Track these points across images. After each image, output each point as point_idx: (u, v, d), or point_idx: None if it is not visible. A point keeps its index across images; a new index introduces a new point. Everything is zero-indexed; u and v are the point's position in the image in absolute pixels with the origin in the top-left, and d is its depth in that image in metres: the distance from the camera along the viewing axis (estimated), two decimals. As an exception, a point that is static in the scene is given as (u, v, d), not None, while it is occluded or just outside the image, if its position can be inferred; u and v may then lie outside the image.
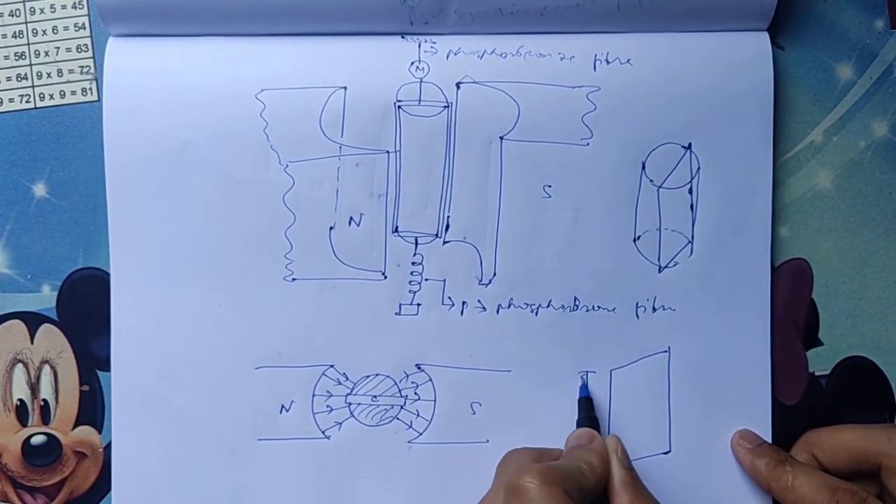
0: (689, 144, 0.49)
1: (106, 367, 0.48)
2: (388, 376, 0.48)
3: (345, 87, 0.48)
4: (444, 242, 0.48)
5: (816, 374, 0.50)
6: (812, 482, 0.45)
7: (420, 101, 0.48)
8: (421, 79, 0.48)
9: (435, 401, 0.49)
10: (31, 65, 0.49)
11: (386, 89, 0.48)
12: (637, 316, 0.49)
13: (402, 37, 0.48)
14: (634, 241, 0.49)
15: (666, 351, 0.49)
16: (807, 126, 0.50)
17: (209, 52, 0.48)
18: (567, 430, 0.48)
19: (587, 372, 0.48)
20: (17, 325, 0.49)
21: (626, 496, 0.44)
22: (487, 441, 0.48)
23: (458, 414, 0.48)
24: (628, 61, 0.48)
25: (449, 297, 0.48)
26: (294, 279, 0.48)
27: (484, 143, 0.48)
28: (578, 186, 0.48)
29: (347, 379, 0.48)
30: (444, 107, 0.48)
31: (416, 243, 0.48)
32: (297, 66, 0.48)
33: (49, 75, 0.49)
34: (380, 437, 0.48)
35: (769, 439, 0.48)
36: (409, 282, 0.48)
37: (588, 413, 0.48)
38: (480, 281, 0.48)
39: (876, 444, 0.45)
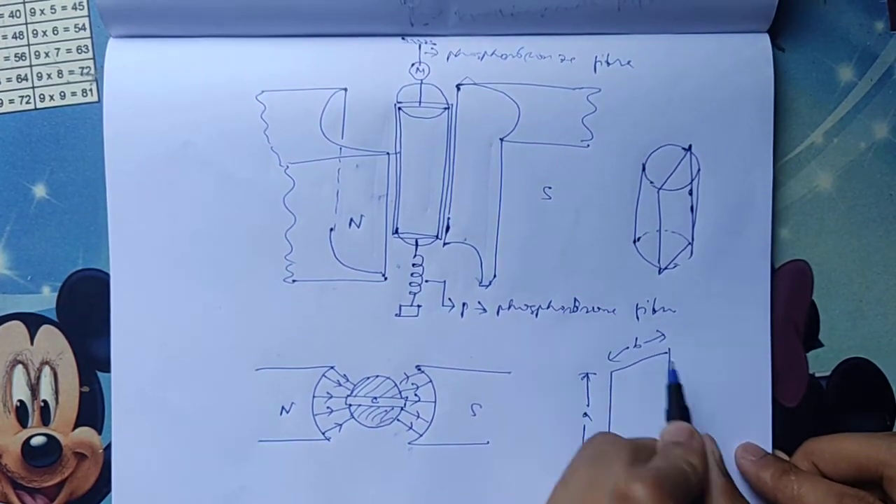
0: (690, 146, 0.48)
1: (106, 368, 0.48)
2: (388, 378, 0.48)
3: (345, 89, 0.48)
4: (445, 244, 0.48)
5: (817, 375, 0.50)
6: (818, 489, 0.44)
7: (420, 102, 0.48)
8: (421, 80, 0.48)
9: (435, 402, 0.48)
10: (31, 66, 0.49)
11: (386, 91, 0.48)
12: (637, 317, 0.49)
13: (403, 38, 0.48)
14: (634, 242, 0.49)
15: (666, 353, 0.49)
16: (807, 128, 0.50)
17: (209, 53, 0.48)
18: (568, 431, 0.48)
19: (669, 353, 0.48)
20: (17, 327, 0.49)
21: None
22: (488, 443, 0.48)
23: (459, 415, 0.48)
24: (629, 63, 0.48)
25: (449, 299, 0.48)
26: (294, 280, 0.48)
27: (484, 145, 0.48)
28: (579, 188, 0.48)
29: (347, 380, 0.48)
30: (445, 108, 0.48)
31: (417, 245, 0.48)
32: (298, 67, 0.48)
33: (49, 76, 0.49)
34: (380, 439, 0.48)
35: (769, 441, 0.48)
36: (410, 283, 0.48)
37: (680, 402, 0.47)
38: (481, 282, 0.48)
39: (877, 453, 0.45)
